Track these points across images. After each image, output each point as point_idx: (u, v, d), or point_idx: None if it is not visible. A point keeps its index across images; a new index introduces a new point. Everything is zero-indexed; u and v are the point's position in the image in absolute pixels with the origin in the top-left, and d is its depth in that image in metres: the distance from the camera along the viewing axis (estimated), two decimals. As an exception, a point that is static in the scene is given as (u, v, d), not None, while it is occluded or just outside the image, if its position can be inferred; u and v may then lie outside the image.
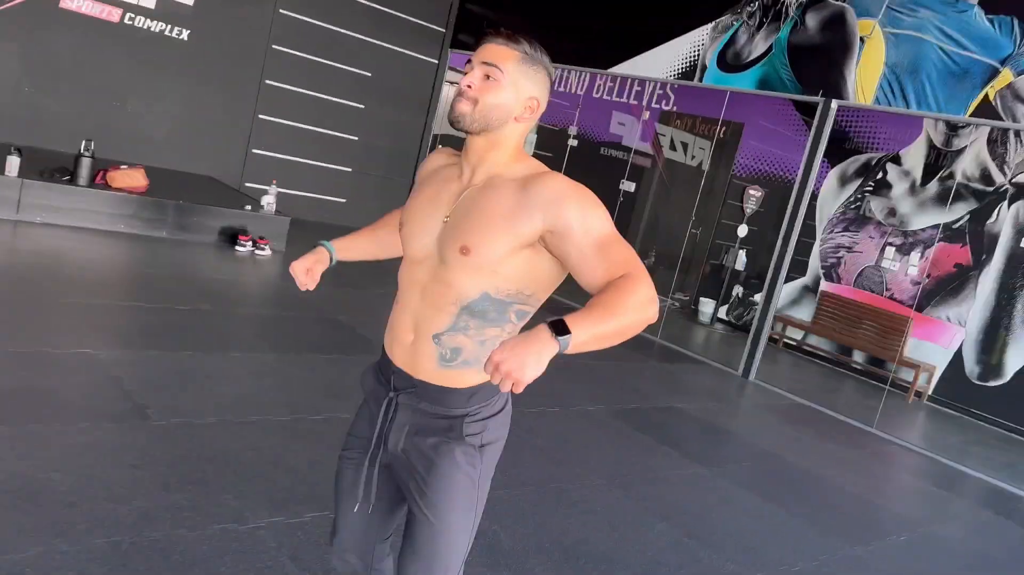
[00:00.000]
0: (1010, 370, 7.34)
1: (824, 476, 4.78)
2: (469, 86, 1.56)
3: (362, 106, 9.63)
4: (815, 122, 6.65)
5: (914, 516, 4.48)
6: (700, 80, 7.55)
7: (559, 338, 1.27)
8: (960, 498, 5.10)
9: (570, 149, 9.54)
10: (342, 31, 9.21)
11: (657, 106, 10.33)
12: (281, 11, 8.76)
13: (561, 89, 10.98)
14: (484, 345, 1.60)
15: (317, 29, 9.03)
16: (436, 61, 10.13)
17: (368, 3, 9.29)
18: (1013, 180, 7.39)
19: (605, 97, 10.67)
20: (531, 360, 1.25)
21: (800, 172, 6.74)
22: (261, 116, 8.92)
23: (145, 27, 8.00)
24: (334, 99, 9.39)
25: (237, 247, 6.95)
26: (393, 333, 1.71)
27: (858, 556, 3.70)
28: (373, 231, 1.97)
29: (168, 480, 2.87)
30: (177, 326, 4.59)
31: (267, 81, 8.86)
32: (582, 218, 1.48)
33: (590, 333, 1.32)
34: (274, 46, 8.81)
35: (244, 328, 4.85)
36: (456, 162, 1.71)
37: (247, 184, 8.90)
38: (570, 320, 1.30)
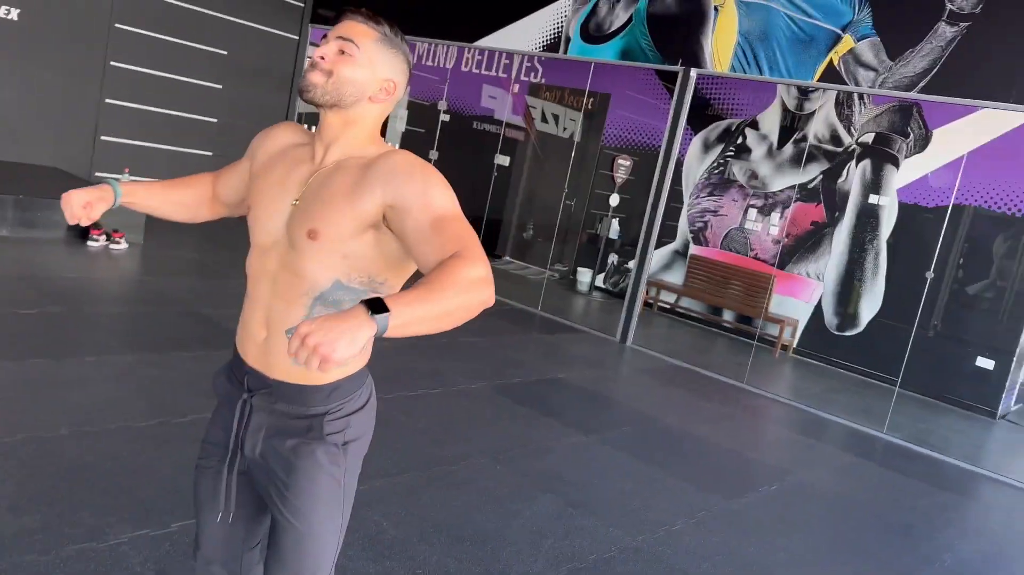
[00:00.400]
0: (864, 319, 7.85)
1: (700, 434, 4.96)
2: (322, 57, 1.49)
3: (220, 86, 9.18)
4: (676, 90, 6.81)
5: (784, 465, 4.72)
6: (565, 52, 7.60)
7: (376, 317, 1.16)
8: (824, 444, 5.41)
9: (442, 124, 9.42)
10: (193, 7, 8.71)
11: (526, 79, 10.36)
12: (122, -14, 8.19)
13: (430, 63, 10.82)
14: None
15: (164, 6, 8.50)
16: (296, 37, 9.76)
17: (219, -23, 8.82)
18: (859, 140, 7.84)
19: (474, 71, 10.60)
20: (344, 338, 1.14)
21: (664, 140, 6.91)
22: (108, 100, 8.35)
23: (-34, 6, 7.31)
24: (188, 80, 8.90)
25: (89, 242, 6.50)
26: (245, 330, 1.61)
27: (734, 510, 3.86)
28: (169, 188, 1.78)
29: (16, 502, 2.65)
30: (21, 333, 4.24)
31: (112, 63, 8.28)
32: (423, 192, 1.42)
33: (413, 314, 1.21)
34: (117, 24, 8.23)
35: (99, 329, 4.53)
36: (307, 142, 1.63)
37: (97, 174, 8.34)
38: (391, 299, 1.19)
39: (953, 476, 5.22)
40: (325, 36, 1.53)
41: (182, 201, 1.79)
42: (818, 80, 6.12)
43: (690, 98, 6.76)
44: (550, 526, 3.27)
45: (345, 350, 1.14)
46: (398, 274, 1.54)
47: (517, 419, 4.47)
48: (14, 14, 7.57)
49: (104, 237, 6.56)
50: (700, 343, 8.12)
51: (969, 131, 7.20)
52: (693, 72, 6.69)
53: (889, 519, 4.18)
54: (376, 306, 1.18)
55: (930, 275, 6.39)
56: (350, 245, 1.47)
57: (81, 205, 1.61)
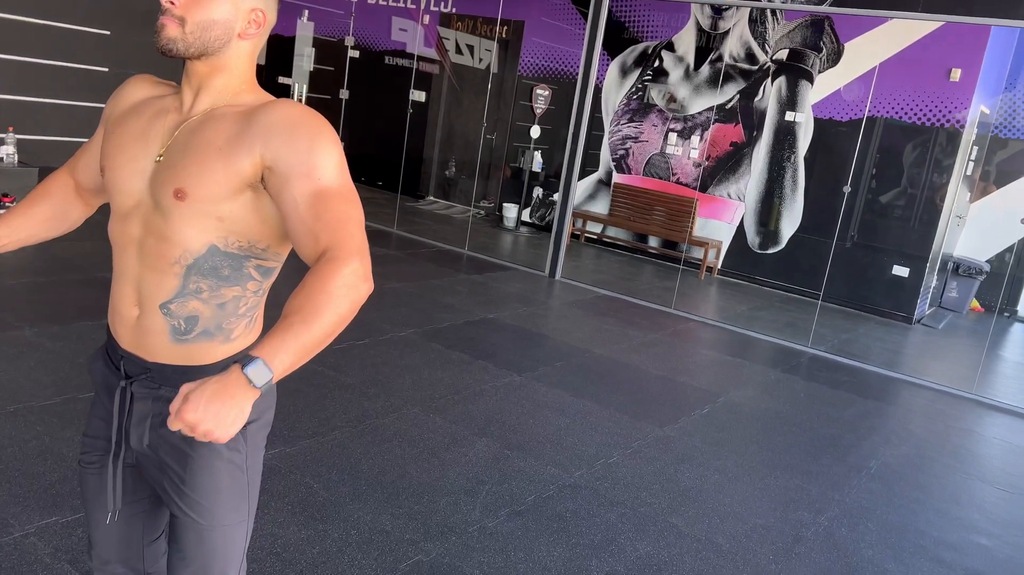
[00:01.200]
0: (785, 236, 7.98)
1: (630, 363, 4.97)
2: (172, 2, 1.28)
3: (107, 32, 8.55)
4: (591, 14, 6.64)
5: (713, 388, 4.78)
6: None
7: (256, 381, 1.11)
8: (752, 363, 5.51)
9: (351, 61, 9.03)
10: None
11: (436, 8, 9.99)
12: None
13: (332, -2, 10.34)
14: (224, 308, 1.38)
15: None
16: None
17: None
18: (774, 57, 7.83)
19: (381, 2, 10.17)
20: (233, 416, 1.10)
21: (581, 66, 6.75)
22: (-18, 53, 7.69)
23: None
24: (73, 27, 8.26)
25: (-23, 209, 6.05)
26: (115, 309, 1.42)
27: (668, 436, 3.88)
28: (29, 208, 1.54)
29: (-95, 500, 2.45)
30: (-96, 313, 3.92)
31: (-18, 11, 7.61)
32: (306, 157, 1.26)
33: (293, 357, 1.15)
34: (-15, -32, 7.54)
35: (-7, 303, 4.23)
36: (168, 92, 1.43)
37: (-20, 134, 7.73)
38: (268, 354, 1.13)
39: (875, 383, 5.39)
40: None
41: (49, 215, 1.56)
42: (731, -3, 6.02)
43: (604, 20, 6.60)
44: (486, 472, 3.22)
45: (236, 425, 1.11)
46: (281, 240, 1.38)
47: (449, 364, 4.38)
48: None
49: (-7, 203, 6.12)
50: (628, 271, 8.14)
51: (880, 42, 7.26)
52: (606, -6, 6.51)
53: (818, 432, 4.29)
54: (253, 366, 1.12)
55: (847, 189, 6.50)
56: (225, 206, 1.31)
57: None
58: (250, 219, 1.33)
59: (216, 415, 1.10)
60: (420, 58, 10.07)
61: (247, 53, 1.38)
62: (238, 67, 1.37)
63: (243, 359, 1.14)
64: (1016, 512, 3.71)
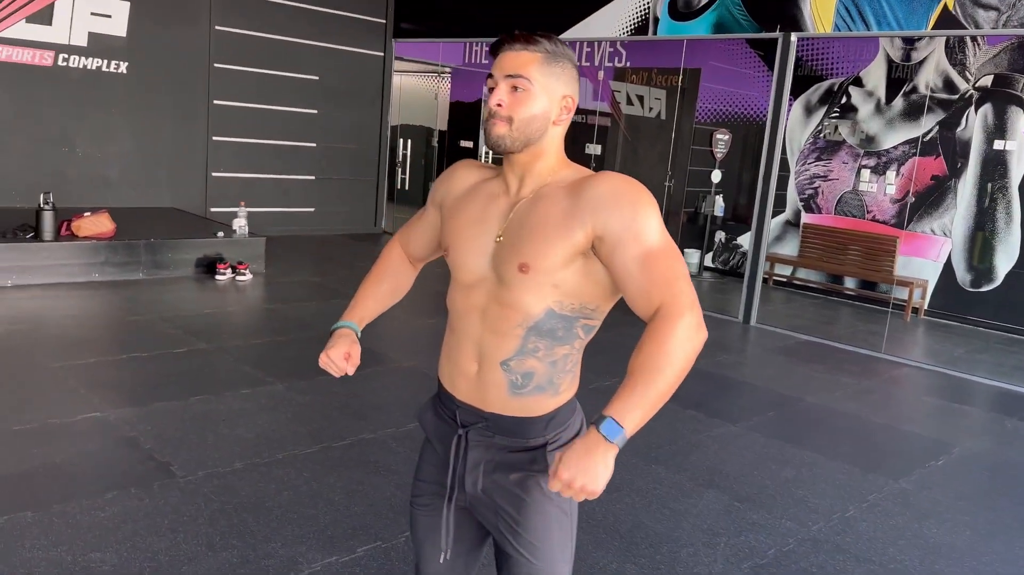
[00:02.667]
0: (1001, 272, 7.41)
1: (848, 411, 4.78)
2: (500, 104, 1.47)
3: (315, 111, 9.42)
4: (777, 58, 6.58)
5: (944, 437, 4.50)
6: (654, 33, 7.46)
7: (614, 440, 1.29)
8: (981, 410, 5.14)
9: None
10: (281, 38, 8.97)
11: (610, 64, 10.23)
12: (217, 27, 8.50)
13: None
14: (555, 366, 1.53)
15: (256, 40, 8.78)
16: (381, 54, 9.92)
17: (303, 5, 9.05)
18: (976, 85, 7.40)
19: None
20: (600, 471, 1.29)
21: (770, 109, 6.68)
22: (215, 138, 8.69)
23: (80, 66, 7.73)
24: (285, 108, 9.18)
25: (217, 276, 6.78)
26: (453, 364, 1.61)
27: (904, 489, 3.70)
28: (376, 286, 1.81)
29: (211, 539, 2.77)
30: (178, 371, 4.45)
31: (215, 101, 8.61)
32: (630, 223, 1.40)
33: (642, 414, 1.32)
34: (216, 64, 8.55)
35: (245, 361, 4.72)
36: (493, 176, 1.62)
37: (212, 209, 8.69)
38: (618, 412, 1.30)
39: None
40: (491, 76, 1.50)
41: (393, 289, 1.82)
42: (933, 27, 5.80)
43: (792, 64, 6.52)
44: (720, 524, 3.20)
45: (605, 479, 1.30)
46: (608, 299, 1.52)
47: (660, 414, 4.39)
48: (123, 67, 7.96)
49: (230, 270, 6.83)
50: (825, 315, 7.84)
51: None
52: (794, 36, 6.44)
53: (1074, 486, 3.93)
54: (607, 425, 1.30)
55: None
56: (560, 274, 1.46)
57: (342, 359, 1.65)
58: (582, 283, 1.48)
59: (586, 471, 1.29)
60: (593, 112, 10.31)
61: (559, 136, 1.54)
62: (554, 150, 1.53)
63: (597, 420, 1.32)
64: None
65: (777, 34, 6.54)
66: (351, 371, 1.67)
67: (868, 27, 6.08)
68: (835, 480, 3.73)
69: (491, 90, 1.49)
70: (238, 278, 6.84)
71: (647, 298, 1.39)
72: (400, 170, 10.49)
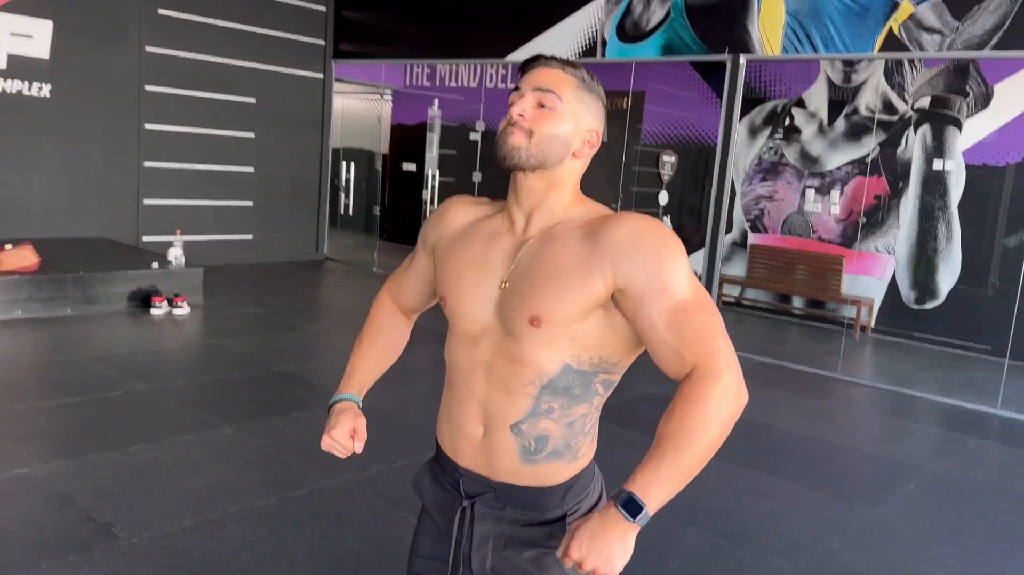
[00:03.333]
0: (944, 289, 7.55)
1: (815, 436, 4.73)
2: (521, 115, 1.31)
3: (252, 135, 9.10)
4: (727, 80, 6.60)
5: (911, 459, 4.47)
6: (603, 55, 7.41)
7: (636, 520, 1.16)
8: (940, 429, 5.16)
9: (472, 143, 9.30)
10: (216, 60, 8.64)
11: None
12: (148, 48, 8.13)
13: (455, 84, 10.71)
14: (573, 427, 1.36)
15: (189, 62, 8.44)
16: (321, 76, 9.67)
17: (238, 26, 8.74)
18: (915, 106, 7.56)
19: (500, 86, 10.46)
20: (616, 552, 1.16)
21: (721, 131, 6.69)
22: (147, 164, 8.29)
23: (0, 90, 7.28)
24: (221, 132, 8.83)
25: (152, 310, 6.40)
26: (454, 426, 1.42)
27: (883, 517, 3.63)
28: (371, 344, 1.60)
29: (162, 610, 2.50)
30: (115, 417, 4.12)
31: (146, 126, 8.23)
32: (656, 274, 1.24)
33: (668, 488, 1.18)
34: (147, 87, 8.18)
35: (189, 403, 4.41)
36: (492, 212, 1.44)
37: (145, 238, 8.28)
38: (640, 487, 1.17)
39: (1086, 447, 4.94)
40: (517, 88, 1.34)
41: (389, 347, 1.62)
42: (879, 50, 5.87)
43: (742, 86, 6.54)
44: (709, 565, 3.07)
45: (621, 562, 1.17)
46: (629, 353, 1.36)
47: (630, 446, 4.25)
48: (46, 90, 7.53)
49: (166, 303, 6.47)
50: (777, 335, 7.86)
51: (1034, 82, 6.91)
52: (743, 59, 6.47)
53: (1044, 506, 3.93)
54: (631, 506, 1.16)
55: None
56: (577, 326, 1.30)
57: (348, 438, 1.48)
58: (603, 335, 1.32)
59: (599, 552, 1.16)
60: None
61: (577, 171, 1.39)
62: (568, 185, 1.38)
63: (618, 495, 1.18)
64: None
65: (726, 56, 6.56)
66: (359, 449, 1.48)
67: (815, 49, 6.14)
68: (814, 510, 3.64)
69: (513, 104, 1.34)
70: (175, 311, 6.47)
71: (679, 359, 1.25)
72: (343, 195, 10.21)
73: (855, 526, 3.51)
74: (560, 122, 1.32)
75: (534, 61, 1.35)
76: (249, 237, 9.24)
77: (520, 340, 1.32)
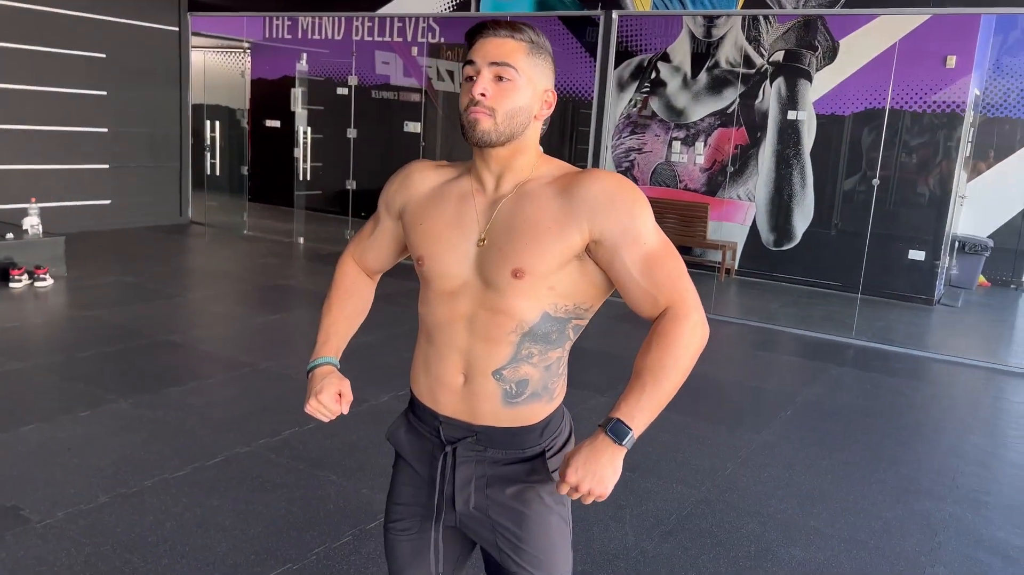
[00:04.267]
0: (799, 232, 8.16)
1: (697, 372, 5.04)
2: (483, 94, 1.36)
3: (104, 93, 8.50)
4: (600, 35, 6.77)
5: (786, 388, 4.90)
6: (477, 9, 7.40)
7: (624, 441, 1.30)
8: (806, 360, 5.64)
9: (340, 98, 9.10)
10: (61, 12, 7.97)
11: (423, 40, 10.08)
12: (-21, -2, 7.40)
13: (318, 37, 10.39)
14: (549, 370, 1.46)
15: (31, 14, 7.75)
16: (176, 28, 9.12)
17: (81, -27, 8.09)
18: (771, 60, 8.03)
19: (367, 38, 10.23)
20: (608, 473, 1.29)
21: (596, 85, 6.89)
22: (-13, 125, 7.60)
23: None
24: (70, 90, 8.20)
25: (11, 283, 5.96)
26: (433, 377, 1.48)
27: (768, 442, 3.98)
28: (341, 307, 1.62)
29: (92, 589, 2.44)
30: (-6, 398, 3.87)
31: (-17, 83, 7.52)
32: (629, 226, 1.36)
33: (650, 414, 1.32)
34: (-19, 40, 7.45)
35: (76, 379, 4.18)
36: (458, 174, 1.50)
37: (-9, 206, 7.62)
38: (625, 413, 1.30)
39: (928, 367, 5.56)
40: (471, 62, 1.38)
41: (358, 309, 1.65)
42: (742, 7, 6.20)
43: (615, 41, 6.74)
44: (621, 495, 3.28)
45: (613, 481, 1.31)
46: (601, 297, 1.47)
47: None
48: None
49: (26, 276, 6.03)
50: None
51: (873, 36, 7.50)
52: (615, 15, 6.65)
53: (900, 420, 4.42)
54: (618, 430, 1.30)
55: (876, 182, 6.69)
56: (555, 277, 1.40)
57: (335, 401, 1.48)
58: (577, 283, 1.42)
59: (593, 474, 1.29)
60: (405, 89, 10.15)
61: (538, 130, 1.46)
62: (533, 145, 1.45)
63: (605, 423, 1.30)
64: (1108, 478, 3.86)
65: (599, 12, 6.72)
66: (346, 410, 1.51)
67: (684, 6, 6.39)
68: (708, 440, 3.94)
69: (469, 78, 1.38)
70: (37, 283, 6.06)
71: (652, 301, 1.38)
72: (209, 154, 9.74)
73: (744, 451, 3.83)
74: (519, 93, 1.37)
75: (482, 31, 1.39)
76: (107, 202, 8.69)
77: (502, 292, 1.39)
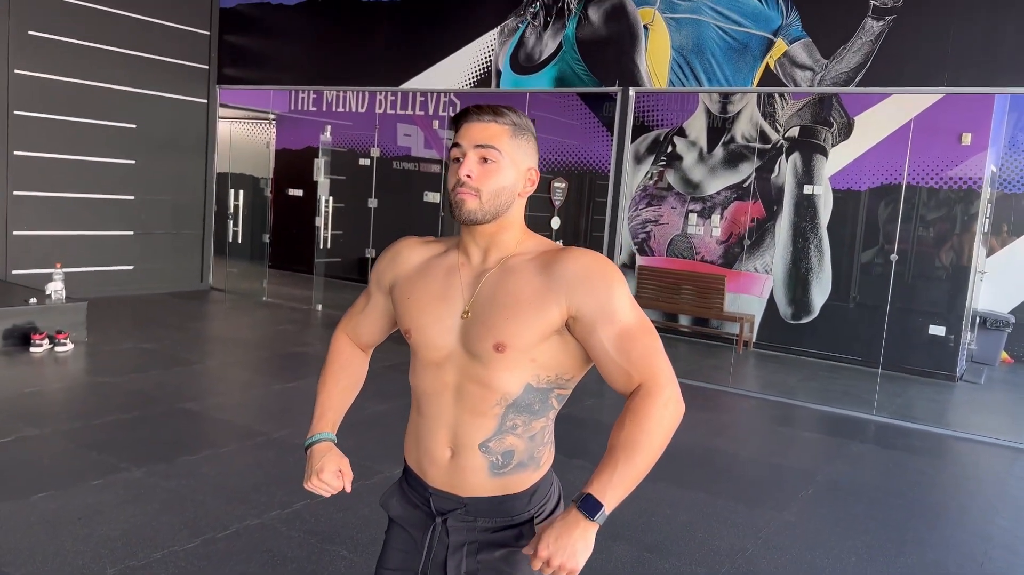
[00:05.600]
0: (817, 305, 8.12)
1: (717, 447, 4.99)
2: (469, 175, 1.42)
3: (132, 161, 8.72)
4: (617, 111, 6.90)
5: (807, 466, 4.80)
6: (497, 86, 7.58)
7: (595, 518, 1.31)
8: (826, 436, 5.54)
9: (361, 169, 9.28)
10: (92, 84, 8.25)
11: (444, 113, 10.32)
12: (16, 71, 7.68)
13: (341, 109, 10.65)
14: (534, 440, 1.50)
15: (62, 85, 8.02)
16: (204, 100, 9.39)
17: (115, 49, 8.39)
18: (786, 135, 8.14)
19: (389, 111, 10.49)
20: (580, 548, 1.31)
21: (613, 159, 6.98)
22: (16, 192, 7.79)
23: None
24: (99, 159, 8.42)
25: (32, 348, 6.02)
26: (422, 449, 1.53)
27: (789, 522, 3.88)
28: (334, 383, 1.68)
29: (96, 666, 2.38)
30: (9, 465, 3.86)
31: (15, 152, 7.74)
32: (605, 303, 1.40)
33: (623, 491, 1.34)
34: (16, 112, 7.71)
35: (90, 446, 4.18)
36: (445, 249, 1.57)
37: (15, 272, 7.77)
38: (597, 490, 1.32)
39: (950, 446, 5.44)
40: (457, 145, 1.45)
41: (352, 383, 1.71)
42: (757, 84, 6.31)
43: (632, 117, 6.86)
44: (625, 572, 3.20)
45: (585, 556, 1.32)
46: (582, 369, 1.51)
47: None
48: (-98, 114, 6.98)
49: (47, 340, 6.10)
50: (668, 352, 8.17)
51: (889, 113, 7.59)
52: (632, 91, 6.79)
53: (923, 501, 4.31)
54: (589, 506, 1.31)
55: (895, 257, 6.68)
56: (536, 350, 1.44)
57: (336, 478, 1.54)
58: (558, 355, 1.46)
59: (564, 549, 1.31)
60: (425, 160, 10.34)
61: (522, 206, 1.53)
62: (518, 221, 1.51)
63: (578, 498, 1.34)
64: None
65: (616, 89, 6.86)
66: (348, 488, 1.55)
67: (700, 83, 6.53)
68: (727, 519, 3.85)
69: (456, 160, 1.45)
70: (58, 349, 6.11)
71: (626, 377, 1.41)
72: (232, 222, 9.90)
73: (765, 531, 3.74)
74: (503, 174, 1.44)
75: (467, 116, 1.46)
76: (130, 268, 8.83)
77: (485, 364, 1.44)
